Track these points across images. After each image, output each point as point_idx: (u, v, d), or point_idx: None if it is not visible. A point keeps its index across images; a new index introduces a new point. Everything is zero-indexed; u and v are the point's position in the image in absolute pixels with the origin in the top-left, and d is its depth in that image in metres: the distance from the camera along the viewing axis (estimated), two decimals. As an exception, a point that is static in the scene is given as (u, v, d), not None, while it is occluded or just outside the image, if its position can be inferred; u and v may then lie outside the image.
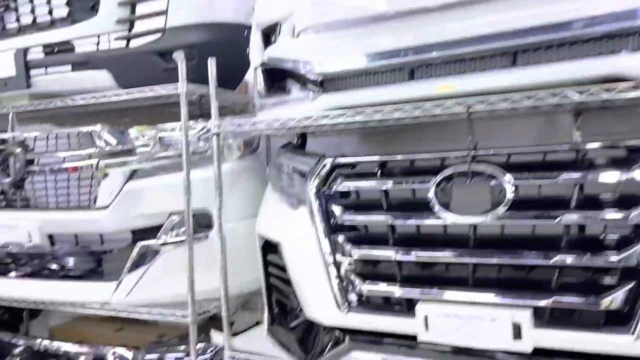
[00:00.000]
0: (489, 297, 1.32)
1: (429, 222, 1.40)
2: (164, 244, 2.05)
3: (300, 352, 1.66)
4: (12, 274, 2.31)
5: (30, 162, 2.19)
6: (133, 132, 2.08)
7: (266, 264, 1.90)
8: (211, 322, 2.21)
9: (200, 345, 1.96)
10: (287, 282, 1.72)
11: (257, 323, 2.35)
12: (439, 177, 1.37)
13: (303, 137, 2.01)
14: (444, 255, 1.38)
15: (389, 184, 1.47)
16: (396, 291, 1.43)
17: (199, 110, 2.07)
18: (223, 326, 1.83)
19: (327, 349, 1.55)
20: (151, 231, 2.11)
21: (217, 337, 1.88)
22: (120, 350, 2.13)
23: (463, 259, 1.35)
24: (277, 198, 1.85)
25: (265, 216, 1.90)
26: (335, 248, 1.53)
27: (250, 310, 2.54)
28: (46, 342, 2.31)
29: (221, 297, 1.84)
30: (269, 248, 1.87)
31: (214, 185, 1.96)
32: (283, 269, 1.74)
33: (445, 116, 1.36)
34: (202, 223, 2.08)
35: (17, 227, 2.24)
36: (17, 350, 2.39)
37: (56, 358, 2.23)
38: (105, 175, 2.08)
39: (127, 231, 2.13)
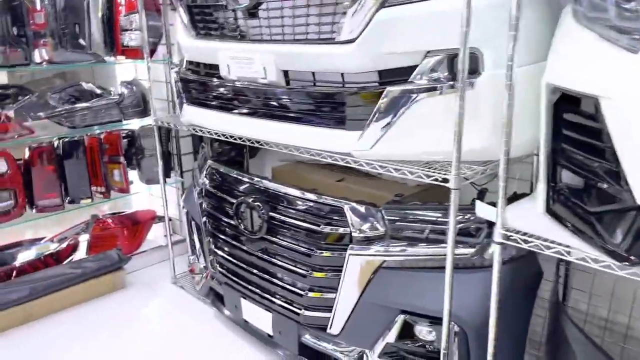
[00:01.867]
0: None
1: None
2: (419, 90, 1.70)
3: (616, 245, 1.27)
4: (245, 111, 2.19)
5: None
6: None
7: (557, 124, 1.45)
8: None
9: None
10: (596, 150, 1.27)
11: (514, 196, 1.99)
12: None
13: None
14: None
15: None
16: None
17: None
18: (498, 196, 1.48)
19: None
20: (401, 73, 1.76)
21: (484, 209, 1.56)
22: (356, 205, 1.94)
23: None
24: (590, 37, 1.33)
25: (567, 61, 1.40)
26: None
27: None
28: (268, 182, 2.23)
29: (500, 158, 1.46)
30: (565, 104, 1.41)
31: (492, 17, 1.49)
32: (591, 132, 1.29)
33: None
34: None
35: (252, 61, 2.06)
36: (242, 187, 2.37)
37: (278, 198, 2.15)
38: (353, 1, 1.73)
39: (373, 72, 1.81)
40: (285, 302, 2.21)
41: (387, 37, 1.70)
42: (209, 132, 2.44)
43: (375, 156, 1.82)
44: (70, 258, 3.10)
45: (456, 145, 1.57)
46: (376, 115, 1.77)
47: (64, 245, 3.10)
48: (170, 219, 3.54)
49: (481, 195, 1.93)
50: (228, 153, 2.91)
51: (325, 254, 2.01)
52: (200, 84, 2.42)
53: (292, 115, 2.03)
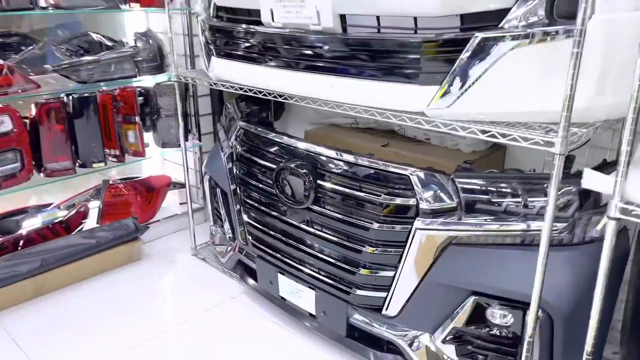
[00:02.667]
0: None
1: None
2: (513, 37, 1.43)
3: None
4: (291, 64, 1.92)
5: None
6: None
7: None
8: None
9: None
10: None
11: (604, 164, 1.75)
12: None
13: None
14: None
15: None
16: None
17: None
18: (618, 164, 1.24)
19: None
20: (490, 18, 1.49)
21: (595, 179, 1.32)
22: (425, 173, 1.70)
23: None
24: None
25: None
26: None
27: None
28: (316, 146, 1.98)
29: (627, 117, 1.21)
30: None
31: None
32: None
33: None
34: (568, 10, 1.41)
35: (304, 4, 1.77)
36: (282, 151, 2.12)
37: (328, 165, 1.89)
38: None
39: (454, 16, 1.54)
40: (333, 279, 1.99)
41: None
42: (242, 88, 2.17)
43: (454, 116, 1.56)
44: (80, 226, 2.84)
45: (567, 103, 1.31)
46: (458, 68, 1.51)
47: (73, 212, 2.84)
48: (183, 186, 3.30)
49: (570, 161, 1.69)
50: (258, 114, 2.64)
51: (385, 227, 1.77)
52: (234, 33, 2.13)
53: (349, 68, 1.76)
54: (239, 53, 2.14)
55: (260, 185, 2.20)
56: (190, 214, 2.86)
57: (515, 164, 2.32)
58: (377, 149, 2.36)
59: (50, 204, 2.99)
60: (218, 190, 2.59)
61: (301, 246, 2.08)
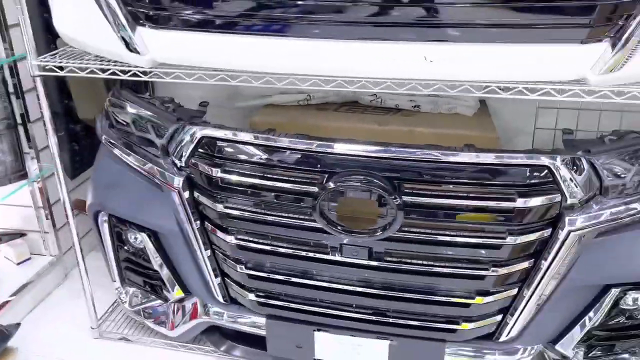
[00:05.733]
0: None
1: None
2: None
3: None
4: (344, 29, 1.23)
5: None
6: None
7: None
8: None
9: None
10: None
11: None
12: None
13: None
14: None
15: None
16: None
17: None
18: None
19: None
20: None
21: None
22: (566, 158, 1.30)
23: None
24: None
25: None
26: None
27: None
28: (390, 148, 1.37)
29: None
30: None
31: None
32: None
33: None
34: None
35: None
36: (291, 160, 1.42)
37: (413, 170, 1.34)
38: None
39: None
40: (426, 319, 1.48)
41: None
42: (208, 75, 1.34)
43: (626, 79, 1.20)
44: None
45: None
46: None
47: None
48: (22, 235, 2.16)
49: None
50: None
51: (524, 238, 1.34)
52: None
53: (464, 30, 1.19)
54: (210, 18, 1.29)
55: (274, 219, 1.45)
56: (82, 270, 1.82)
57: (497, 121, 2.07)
58: (375, 131, 1.81)
59: None
60: (135, 233, 1.69)
61: (366, 289, 1.47)
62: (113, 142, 1.70)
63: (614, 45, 1.16)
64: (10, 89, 1.92)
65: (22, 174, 1.88)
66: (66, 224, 1.79)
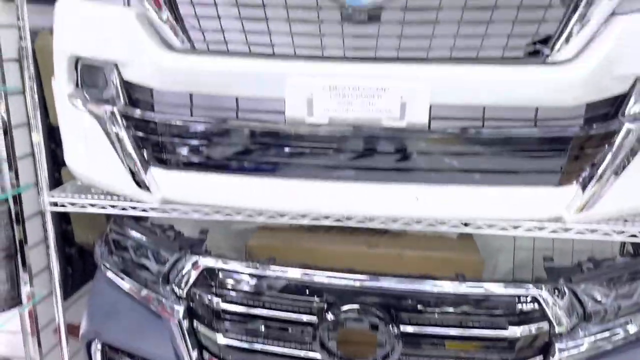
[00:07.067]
0: None
1: None
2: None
3: None
4: (342, 172, 1.35)
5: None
6: None
7: None
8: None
9: None
10: None
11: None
12: None
13: None
14: None
15: None
16: None
17: None
18: None
19: None
20: (610, 104, 1.33)
21: None
22: (551, 286, 1.40)
23: None
24: None
25: None
26: None
27: None
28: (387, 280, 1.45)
29: None
30: None
31: None
32: None
33: None
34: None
35: (382, 91, 1.26)
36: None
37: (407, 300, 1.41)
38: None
39: (580, 107, 1.31)
40: None
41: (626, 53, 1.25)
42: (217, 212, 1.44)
43: (598, 216, 1.33)
44: None
45: None
46: (607, 162, 1.28)
47: None
48: (7, 361, 2.10)
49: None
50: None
51: (517, 368, 1.39)
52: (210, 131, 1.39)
53: (450, 173, 1.33)
54: (222, 161, 1.41)
55: (276, 349, 1.48)
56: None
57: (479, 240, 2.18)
58: (366, 254, 1.89)
59: None
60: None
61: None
62: (112, 268, 1.74)
63: (584, 188, 1.30)
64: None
65: (17, 301, 1.88)
66: (52, 350, 1.76)
